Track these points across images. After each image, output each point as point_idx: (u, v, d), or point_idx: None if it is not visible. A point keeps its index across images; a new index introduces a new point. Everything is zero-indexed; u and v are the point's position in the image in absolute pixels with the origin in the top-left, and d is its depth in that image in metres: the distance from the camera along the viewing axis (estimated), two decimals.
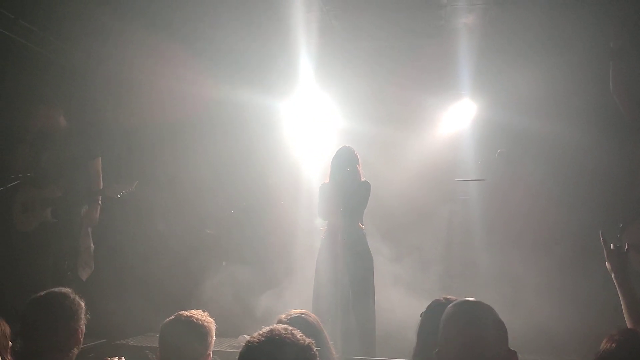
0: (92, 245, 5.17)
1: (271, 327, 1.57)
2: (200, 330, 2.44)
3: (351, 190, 4.89)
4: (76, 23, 5.48)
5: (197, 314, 2.49)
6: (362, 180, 5.00)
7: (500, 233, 5.50)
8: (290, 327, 1.58)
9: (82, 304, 2.48)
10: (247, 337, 4.59)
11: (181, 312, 2.50)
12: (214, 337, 2.51)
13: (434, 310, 2.27)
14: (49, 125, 5.09)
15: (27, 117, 5.14)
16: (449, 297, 2.30)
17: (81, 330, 2.45)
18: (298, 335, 1.55)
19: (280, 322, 2.44)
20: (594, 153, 5.58)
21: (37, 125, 5.17)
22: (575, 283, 4.99)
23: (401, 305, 4.88)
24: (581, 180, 5.67)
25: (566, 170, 5.80)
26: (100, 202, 5.22)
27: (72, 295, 2.47)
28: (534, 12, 5.34)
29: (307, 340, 1.56)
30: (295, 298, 5.33)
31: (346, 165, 4.95)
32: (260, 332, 1.55)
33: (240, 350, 1.56)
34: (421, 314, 2.38)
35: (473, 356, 1.72)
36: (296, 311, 2.54)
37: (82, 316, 2.47)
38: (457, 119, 6.66)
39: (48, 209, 4.95)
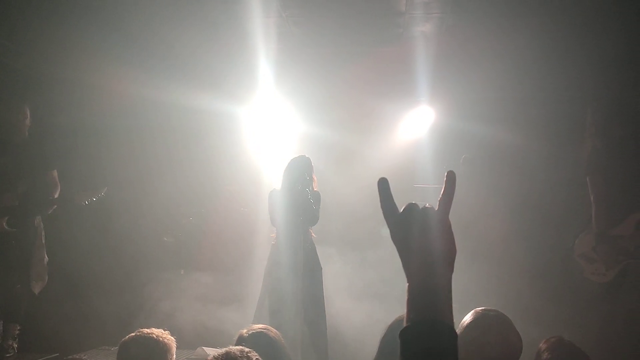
0: (45, 257, 4.98)
1: (227, 349, 1.54)
2: (160, 348, 2.38)
3: (304, 200, 4.89)
4: (30, 26, 5.27)
5: (158, 331, 2.42)
6: (315, 190, 5.05)
7: (458, 239, 5.59)
8: (247, 349, 1.56)
9: None
10: (206, 349, 4.50)
11: (142, 330, 2.43)
12: (175, 356, 2.44)
13: (401, 323, 2.27)
14: (4, 130, 4.88)
15: None
16: None
17: None
18: (254, 357, 1.53)
19: (241, 337, 2.40)
20: (549, 161, 5.76)
21: None
22: (529, 290, 5.13)
23: (360, 313, 4.90)
24: (535, 187, 5.84)
25: (521, 177, 5.95)
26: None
27: None
28: (489, 21, 5.48)
29: None
30: (254, 306, 5.28)
31: (304, 174, 4.96)
32: (216, 355, 1.52)
33: None
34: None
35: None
36: (257, 327, 2.51)
37: None
38: (415, 125, 6.75)
39: (4, 218, 4.72)
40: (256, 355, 1.51)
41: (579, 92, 5.55)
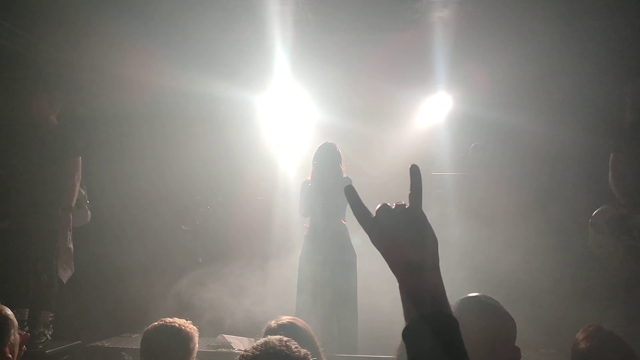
0: (71, 246, 5.05)
1: (266, 339, 1.53)
2: (183, 337, 2.40)
3: (333, 187, 4.88)
4: (50, 16, 5.29)
5: (181, 321, 2.44)
6: (344, 177, 5.01)
7: (475, 227, 5.55)
8: (285, 339, 1.54)
9: (12, 318, 2.21)
10: (226, 337, 4.52)
11: (165, 319, 2.45)
12: (197, 344, 2.46)
13: None
14: (30, 122, 4.91)
15: None
16: None
17: (9, 349, 2.17)
18: (293, 347, 1.52)
19: (269, 329, 2.41)
20: (569, 147, 5.68)
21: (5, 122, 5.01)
22: (551, 277, 5.08)
23: (382, 301, 4.89)
24: (556, 173, 5.77)
25: (541, 163, 5.88)
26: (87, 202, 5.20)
27: None
28: (509, 5, 5.38)
29: (303, 351, 1.53)
30: (272, 294, 5.30)
31: (329, 162, 4.94)
32: (255, 344, 1.52)
33: (221, 350, 1.51)
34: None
35: (489, 346, 1.84)
36: (286, 318, 2.52)
37: (12, 331, 2.18)
38: (432, 112, 6.69)
39: (27, 209, 4.78)
40: (295, 344, 1.50)
41: (610, 76, 5.43)
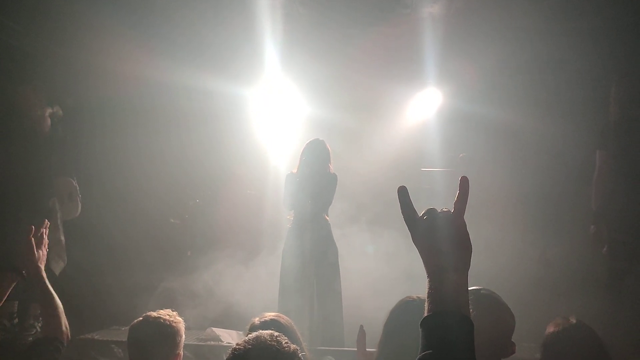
0: (63, 238, 5.05)
1: (257, 334, 1.57)
2: (169, 330, 2.40)
3: (320, 183, 4.91)
4: (37, 7, 5.26)
5: (166, 314, 2.45)
6: (331, 172, 5.04)
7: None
8: (276, 334, 1.58)
9: None
10: (215, 330, 4.53)
11: (149, 313, 2.45)
12: (184, 337, 2.48)
13: (404, 307, 2.30)
14: (15, 114, 4.90)
15: None
16: (419, 295, 2.32)
17: None
18: (284, 342, 1.55)
19: (253, 325, 2.43)
20: (559, 144, 5.73)
21: None
22: (535, 273, 5.14)
23: (367, 295, 4.94)
24: (546, 171, 5.81)
25: (531, 159, 5.92)
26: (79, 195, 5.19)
27: None
28: (497, 3, 5.41)
29: (293, 347, 1.57)
30: (261, 288, 5.34)
31: (317, 158, 4.97)
32: (246, 339, 1.55)
33: (209, 343, 1.53)
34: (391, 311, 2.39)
35: (487, 339, 1.87)
36: (269, 315, 2.53)
37: None
38: (422, 108, 6.71)
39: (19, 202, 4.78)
40: (285, 340, 1.54)
41: (598, 73, 5.47)
